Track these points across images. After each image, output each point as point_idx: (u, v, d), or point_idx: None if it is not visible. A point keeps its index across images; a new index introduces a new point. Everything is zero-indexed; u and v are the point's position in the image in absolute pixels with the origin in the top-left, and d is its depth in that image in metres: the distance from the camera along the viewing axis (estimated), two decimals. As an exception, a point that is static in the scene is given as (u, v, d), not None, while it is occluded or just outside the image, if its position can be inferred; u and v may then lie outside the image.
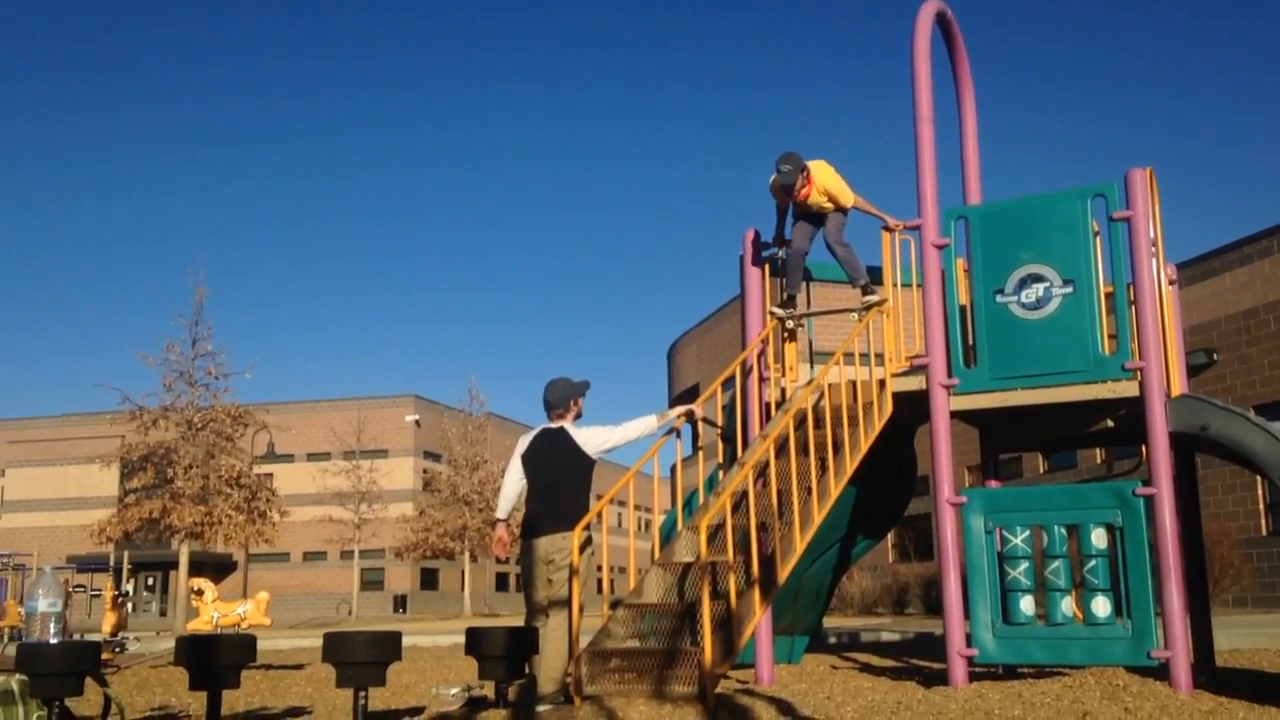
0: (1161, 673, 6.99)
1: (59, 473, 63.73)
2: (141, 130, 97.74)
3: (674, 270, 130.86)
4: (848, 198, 8.87)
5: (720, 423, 8.28)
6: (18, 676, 5.44)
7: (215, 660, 5.99)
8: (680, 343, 40.12)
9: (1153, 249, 7.72)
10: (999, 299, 7.96)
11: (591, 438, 7.05)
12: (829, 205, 8.87)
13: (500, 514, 7.24)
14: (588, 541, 6.87)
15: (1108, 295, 7.81)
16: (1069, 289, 7.76)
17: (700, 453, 8.45)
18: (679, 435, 7.91)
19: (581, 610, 6.74)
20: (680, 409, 7.68)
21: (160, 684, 9.90)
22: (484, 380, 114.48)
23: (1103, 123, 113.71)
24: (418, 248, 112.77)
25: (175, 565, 29.31)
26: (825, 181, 8.81)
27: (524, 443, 7.24)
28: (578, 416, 7.25)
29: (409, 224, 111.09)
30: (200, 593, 13.07)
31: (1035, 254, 7.88)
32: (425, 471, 60.16)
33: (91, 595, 39.05)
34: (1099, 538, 7.34)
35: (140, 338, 71.64)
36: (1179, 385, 8.34)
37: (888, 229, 8.76)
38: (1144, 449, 7.56)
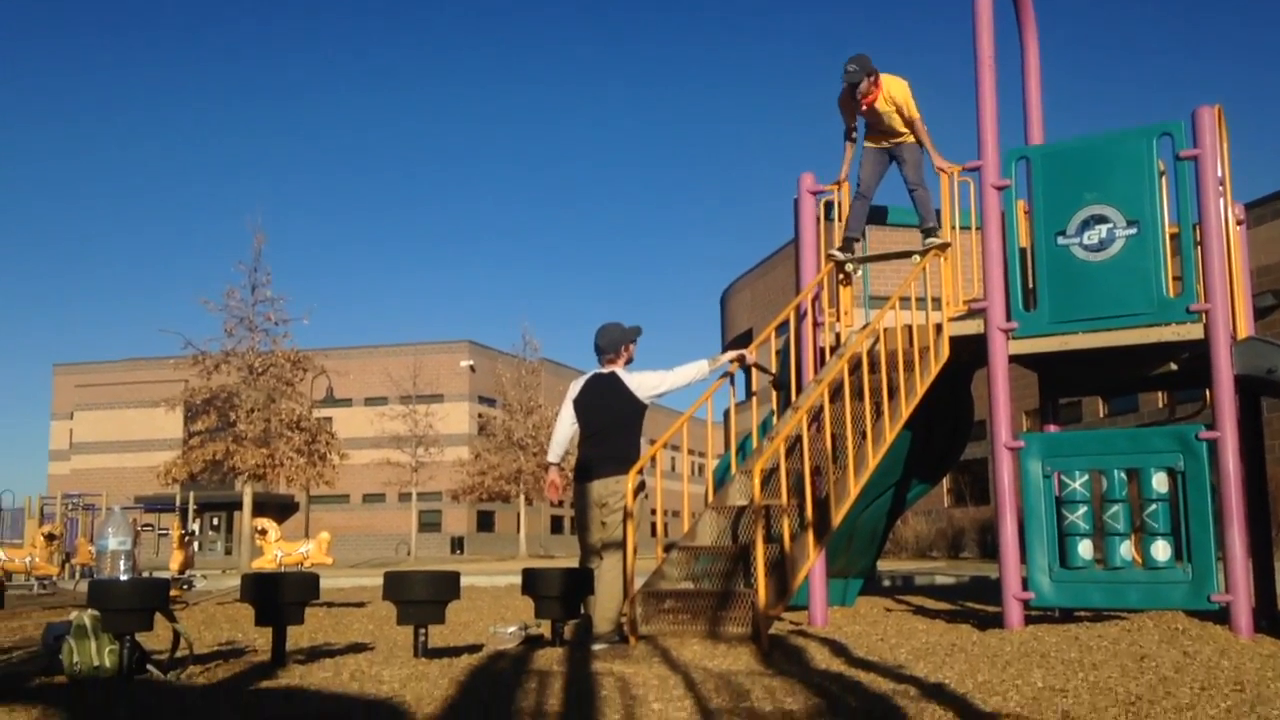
0: (1221, 617, 6.92)
1: (125, 415, 65.24)
2: (206, 76, 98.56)
3: (728, 215, 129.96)
4: (914, 109, 8.67)
5: (774, 369, 8.24)
6: (90, 612, 5.61)
7: (280, 597, 6.14)
8: (734, 288, 39.92)
9: (1220, 188, 7.53)
10: (1060, 241, 7.81)
11: (643, 382, 7.05)
12: (896, 117, 8.68)
13: (552, 458, 7.30)
14: (641, 485, 6.91)
15: (1173, 236, 7.63)
16: (1133, 230, 7.59)
17: (754, 398, 8.44)
18: (732, 381, 7.90)
19: (635, 552, 6.79)
20: (732, 353, 7.66)
21: (227, 620, 10.14)
22: (537, 326, 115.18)
23: (1170, 59, 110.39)
24: (473, 195, 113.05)
25: (239, 506, 29.96)
26: (894, 90, 8.61)
27: (575, 388, 7.27)
28: (629, 361, 7.25)
29: (465, 172, 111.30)
30: (264, 532, 13.34)
31: (1099, 195, 7.71)
32: (480, 416, 60.78)
33: (159, 534, 40.09)
34: (1160, 482, 7.25)
35: (203, 283, 72.72)
36: (1245, 328, 8.17)
37: (938, 169, 8.63)
38: (1208, 392, 7.43)
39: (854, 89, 8.59)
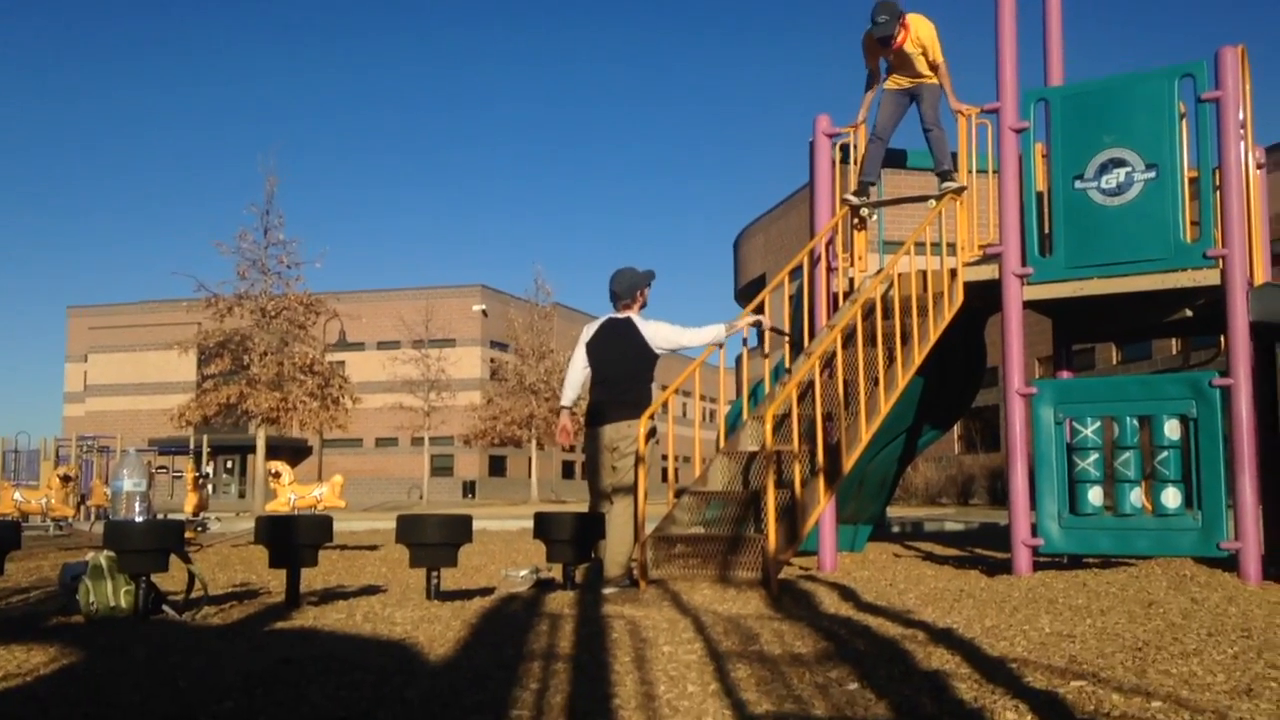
0: (1230, 564, 6.94)
1: (139, 358, 65.53)
2: (218, 19, 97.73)
3: (742, 158, 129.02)
4: (939, 53, 8.57)
5: (787, 330, 8.19)
6: (106, 553, 5.67)
7: (293, 540, 6.20)
8: (747, 232, 39.68)
9: (1241, 132, 7.43)
10: (1078, 185, 7.73)
11: (659, 332, 7.03)
12: (921, 59, 8.56)
13: (565, 402, 7.31)
14: (653, 431, 6.92)
15: (1191, 180, 7.55)
16: (1152, 174, 7.51)
17: (766, 344, 8.42)
18: (745, 342, 7.90)
19: (646, 497, 6.83)
20: (749, 318, 7.63)
21: (241, 562, 10.25)
22: (550, 270, 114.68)
23: None
24: (484, 137, 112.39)
25: (253, 449, 30.14)
26: (921, 32, 8.49)
27: (589, 331, 7.26)
28: (643, 306, 7.24)
29: (476, 113, 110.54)
30: (278, 475, 13.44)
31: (1118, 138, 7.61)
32: (492, 361, 60.87)
33: (174, 477, 40.45)
34: (1172, 429, 7.23)
35: (215, 225, 72.71)
36: (1263, 274, 8.10)
37: (955, 111, 8.52)
38: (1222, 339, 7.39)
39: (884, 39, 8.45)
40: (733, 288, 40.05)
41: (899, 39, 8.48)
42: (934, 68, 8.60)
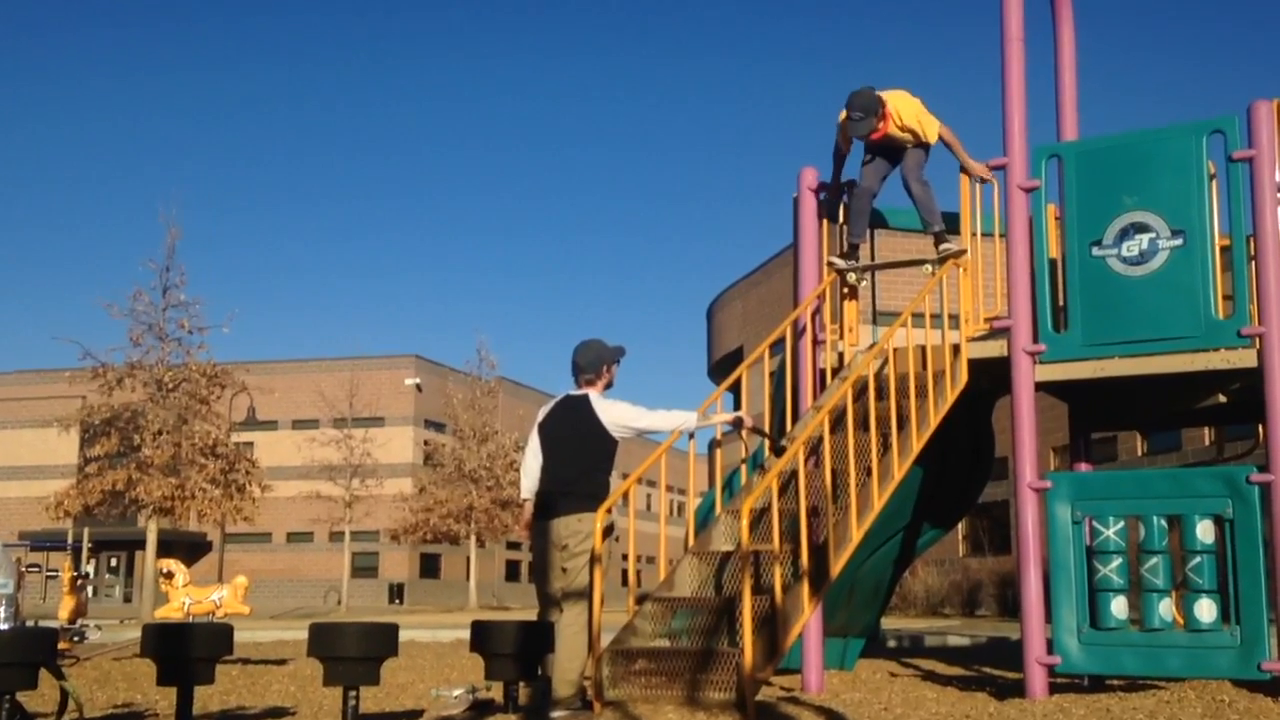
0: (1273, 688, 6.96)
1: (11, 437, 64.61)
2: (109, 48, 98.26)
3: (715, 216, 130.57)
4: (932, 130, 8.68)
5: (769, 430, 8.20)
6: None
7: (186, 652, 6.09)
8: (722, 299, 40.04)
9: (1278, 194, 7.61)
10: (1096, 252, 7.88)
11: (618, 413, 7.04)
12: (910, 140, 8.71)
13: (525, 493, 7.28)
14: (610, 526, 6.90)
15: (1223, 249, 7.71)
16: (1178, 241, 7.67)
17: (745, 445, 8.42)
18: (719, 443, 7.95)
19: (603, 604, 6.78)
20: (729, 415, 7.68)
21: (124, 678, 10.06)
22: (495, 340, 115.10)
23: (1224, 47, 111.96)
24: (421, 186, 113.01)
25: (142, 545, 29.71)
26: (905, 114, 8.60)
27: (543, 411, 7.28)
28: (608, 386, 7.26)
29: (411, 159, 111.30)
30: (170, 576, 13.25)
31: (1140, 199, 7.78)
32: (427, 443, 60.60)
33: (47, 577, 39.68)
34: (1205, 531, 7.30)
35: (104, 285, 72.40)
36: (1305, 355, 8.24)
37: (967, 173, 8.63)
38: (1261, 429, 7.49)
39: (861, 130, 8.61)
40: (706, 362, 40.28)
41: (880, 130, 8.66)
42: (927, 148, 8.74)
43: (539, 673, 6.89)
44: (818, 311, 8.96)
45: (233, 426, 34.16)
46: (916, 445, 7.86)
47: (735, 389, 8.46)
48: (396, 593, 59.98)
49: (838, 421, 7.78)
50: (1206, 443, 31.17)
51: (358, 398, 53.04)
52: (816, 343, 8.94)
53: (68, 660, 11.53)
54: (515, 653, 6.64)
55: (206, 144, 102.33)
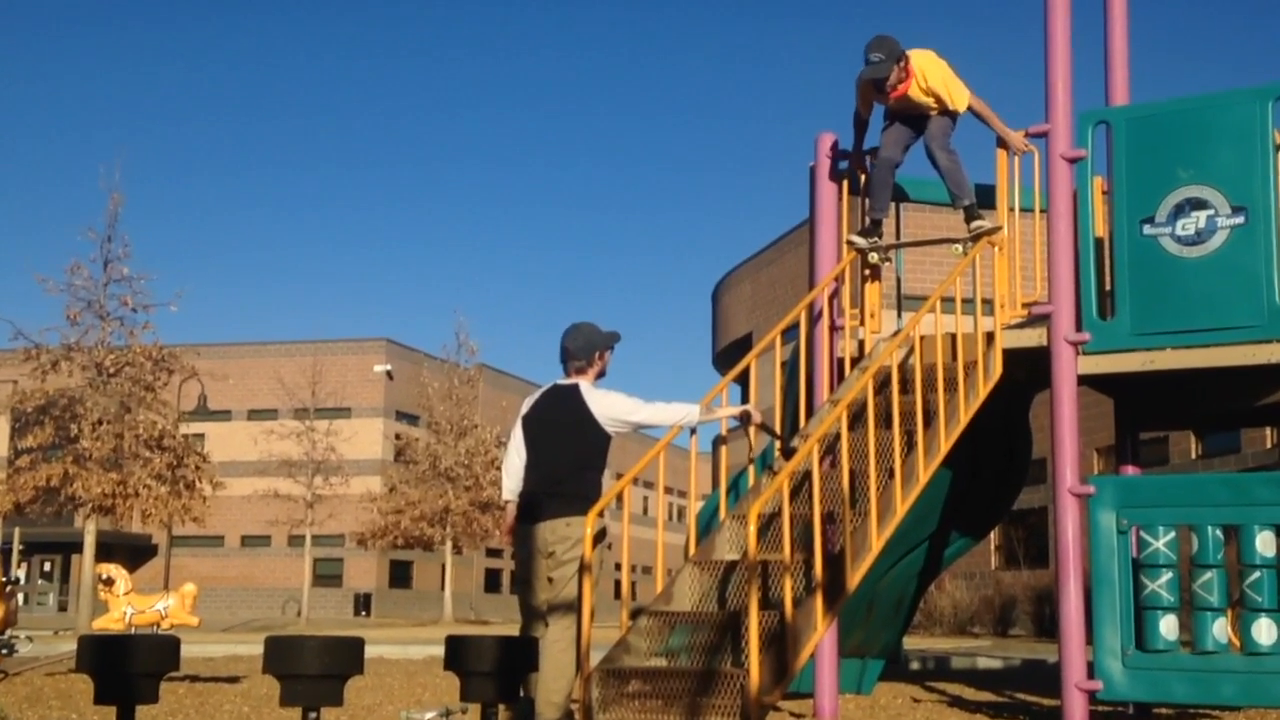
0: (1340, 719, 6.99)
1: (-66, 426, 64.63)
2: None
3: (722, 187, 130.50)
4: (961, 97, 8.64)
5: (779, 428, 8.20)
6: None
7: (128, 667, 6.08)
8: (729, 280, 40.03)
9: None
10: (1147, 230, 7.88)
11: (611, 405, 7.03)
12: (934, 106, 8.68)
13: (507, 494, 7.28)
14: (602, 533, 6.91)
15: (1290, 228, 7.72)
16: (1239, 219, 7.67)
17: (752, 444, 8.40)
18: (724, 440, 7.94)
19: (593, 618, 6.79)
20: (735, 409, 7.67)
21: (57, 695, 10.09)
22: (475, 324, 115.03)
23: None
24: (394, 152, 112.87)
25: (79, 547, 29.74)
26: (930, 76, 8.58)
27: (529, 403, 7.28)
28: (600, 374, 7.26)
29: (384, 121, 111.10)
30: (110, 582, 13.26)
31: (1197, 173, 7.79)
32: (398, 437, 60.61)
33: (-27, 582, 39.72)
34: (1265, 544, 7.31)
35: (38, 256, 72.38)
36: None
37: (1004, 147, 8.61)
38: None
39: (879, 81, 8.58)
40: (710, 350, 40.31)
41: (901, 88, 8.61)
42: (954, 116, 8.71)
43: (521, 694, 6.90)
44: (835, 294, 8.96)
45: (181, 416, 34.13)
46: (945, 444, 7.87)
47: (743, 380, 8.47)
48: (363, 604, 60.07)
49: (857, 417, 7.79)
50: (1268, 445, 31.22)
51: (321, 385, 53.03)
52: (834, 329, 8.94)
53: (-5, 675, 11.54)
54: (495, 671, 6.64)
55: (153, 100, 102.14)
